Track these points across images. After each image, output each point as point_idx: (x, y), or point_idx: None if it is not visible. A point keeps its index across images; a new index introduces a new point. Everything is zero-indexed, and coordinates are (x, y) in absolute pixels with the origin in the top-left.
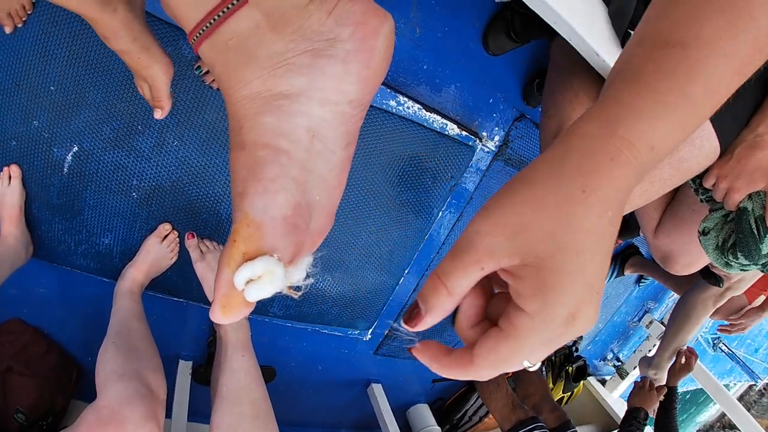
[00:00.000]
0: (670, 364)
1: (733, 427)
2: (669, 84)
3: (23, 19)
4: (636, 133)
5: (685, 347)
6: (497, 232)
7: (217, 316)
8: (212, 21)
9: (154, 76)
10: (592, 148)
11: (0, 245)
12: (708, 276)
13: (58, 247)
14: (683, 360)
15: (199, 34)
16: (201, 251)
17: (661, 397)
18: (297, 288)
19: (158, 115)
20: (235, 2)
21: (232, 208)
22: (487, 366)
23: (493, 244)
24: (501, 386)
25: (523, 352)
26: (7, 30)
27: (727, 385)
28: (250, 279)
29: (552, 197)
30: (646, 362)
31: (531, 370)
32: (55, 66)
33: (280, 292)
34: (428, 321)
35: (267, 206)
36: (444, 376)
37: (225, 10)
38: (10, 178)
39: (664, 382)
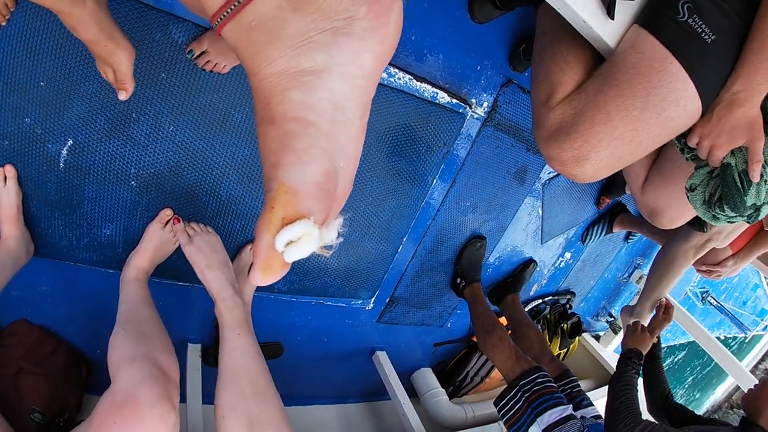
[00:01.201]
0: (651, 316)
1: (740, 406)
2: None
3: (6, 17)
4: None
5: (664, 299)
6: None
7: (257, 278)
8: (236, 4)
9: (119, 60)
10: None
11: (1, 247)
12: (692, 222)
13: (60, 243)
14: (662, 312)
15: (223, 16)
16: (188, 235)
17: (655, 339)
18: (329, 247)
19: (122, 96)
20: None
21: (264, 178)
22: None
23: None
24: (503, 340)
25: None
26: None
27: (718, 338)
28: (289, 241)
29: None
30: (628, 311)
31: None
32: (44, 61)
33: (314, 253)
34: None
35: (302, 174)
36: None
37: None
38: (5, 178)
39: None
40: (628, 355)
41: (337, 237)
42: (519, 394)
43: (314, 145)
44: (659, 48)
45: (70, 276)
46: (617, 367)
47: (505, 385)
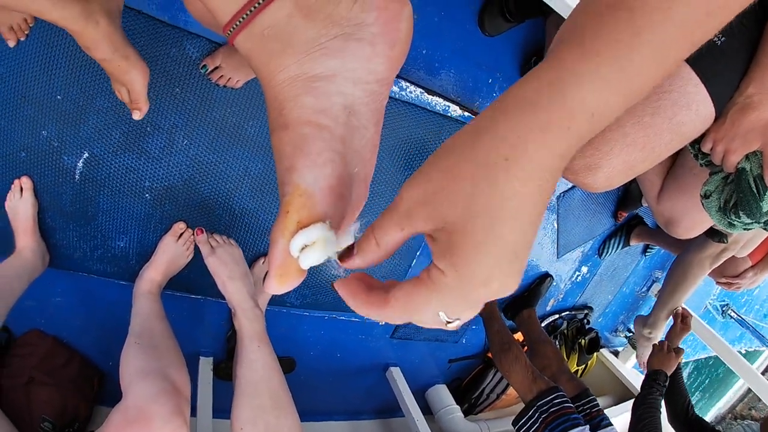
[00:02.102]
0: (668, 326)
1: (744, 417)
2: (613, 49)
3: (26, 32)
4: (575, 100)
5: (680, 308)
6: (413, 198)
7: (273, 285)
8: (248, 13)
9: (133, 80)
10: (524, 114)
11: (16, 258)
12: (712, 234)
13: (74, 254)
14: (680, 321)
15: (235, 26)
16: (211, 246)
17: (680, 359)
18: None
19: (137, 116)
20: None
21: (278, 184)
22: (398, 309)
23: (410, 209)
24: (520, 359)
25: (435, 304)
26: (11, 44)
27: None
28: (305, 245)
29: (468, 165)
30: (641, 321)
31: (449, 327)
32: (60, 75)
33: (329, 259)
34: (357, 262)
35: (316, 177)
36: (360, 313)
37: (260, 1)
38: (21, 190)
39: (659, 341)
40: (653, 376)
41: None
42: (536, 415)
43: (329, 148)
44: None
45: (84, 287)
46: (642, 387)
47: (522, 403)
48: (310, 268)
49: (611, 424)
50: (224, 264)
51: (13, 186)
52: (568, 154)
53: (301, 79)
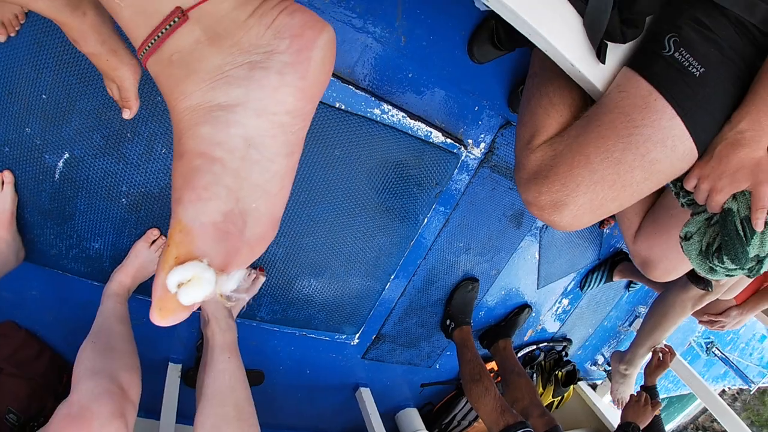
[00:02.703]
0: (645, 362)
1: (705, 429)
2: None
3: (16, 28)
4: None
5: (663, 344)
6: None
7: (155, 317)
8: (156, 38)
9: (122, 77)
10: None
11: None
12: (696, 280)
13: (50, 251)
14: (659, 357)
15: (146, 50)
16: None
17: (657, 412)
18: (232, 297)
19: (126, 115)
20: (176, 20)
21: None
22: None
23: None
24: (489, 390)
25: None
26: (1, 39)
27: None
28: (180, 282)
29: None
30: (618, 357)
31: None
32: (47, 75)
33: (220, 296)
34: None
35: (198, 213)
36: None
37: (167, 27)
38: (2, 183)
39: (634, 378)
40: (625, 428)
41: (245, 290)
42: None
43: (216, 182)
44: (643, 84)
45: (59, 284)
46: None
47: None
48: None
49: None
50: None
51: None
52: None
53: (202, 107)
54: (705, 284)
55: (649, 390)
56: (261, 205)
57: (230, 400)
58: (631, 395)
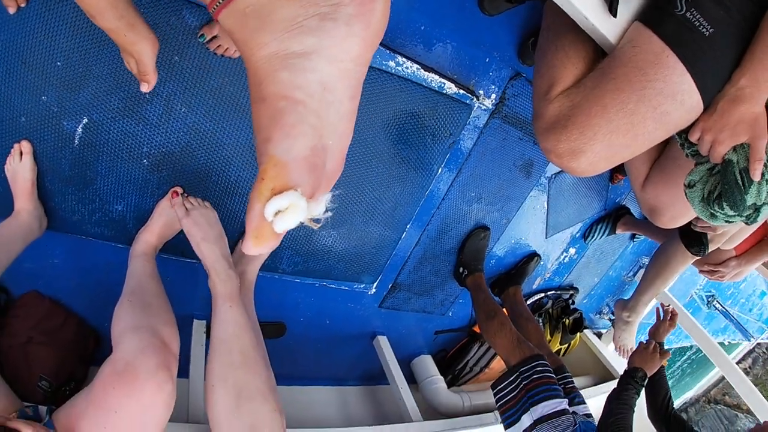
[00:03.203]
0: (648, 311)
1: (717, 402)
2: None
3: None
4: None
5: (670, 306)
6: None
7: (250, 247)
8: None
9: (141, 51)
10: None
11: (14, 220)
12: (691, 244)
13: (72, 217)
14: (668, 318)
15: (219, 3)
16: (186, 208)
17: (664, 362)
18: (317, 220)
19: (144, 88)
20: None
21: (257, 153)
22: None
23: None
24: (505, 325)
25: None
26: (11, 10)
27: (721, 343)
28: (278, 211)
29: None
30: (622, 305)
31: None
32: (61, 41)
33: (302, 224)
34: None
35: (290, 148)
36: None
37: None
38: (21, 154)
39: (636, 325)
40: (632, 374)
41: (326, 211)
42: (518, 380)
43: (303, 121)
44: (656, 41)
45: (82, 250)
46: (619, 383)
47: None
48: (298, 235)
49: (584, 402)
50: (198, 226)
51: (12, 150)
52: None
53: (278, 55)
54: (698, 248)
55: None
56: (336, 142)
57: (235, 348)
58: (640, 342)
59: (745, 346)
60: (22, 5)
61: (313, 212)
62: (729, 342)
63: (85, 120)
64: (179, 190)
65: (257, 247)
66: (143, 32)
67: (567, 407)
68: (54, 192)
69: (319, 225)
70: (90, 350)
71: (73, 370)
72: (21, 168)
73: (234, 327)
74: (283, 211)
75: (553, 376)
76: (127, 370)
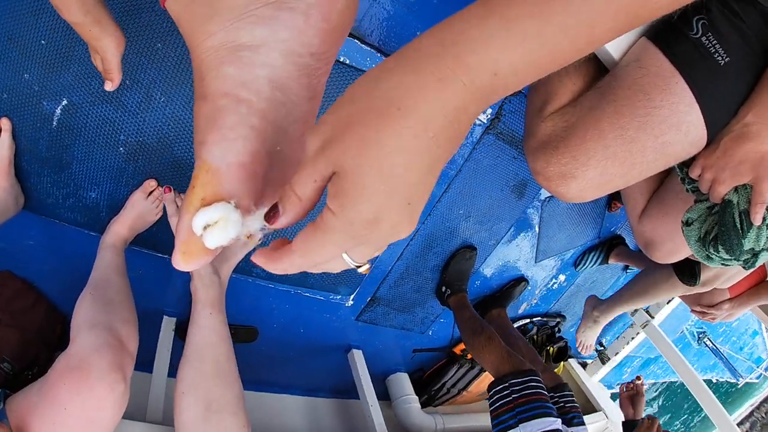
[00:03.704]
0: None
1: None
2: (525, 8)
3: None
4: (475, 57)
5: (641, 382)
6: (315, 144)
7: (178, 262)
8: None
9: (105, 48)
10: (421, 65)
11: None
12: (683, 273)
13: (47, 200)
14: (634, 390)
15: None
16: (176, 206)
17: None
18: (266, 234)
19: (108, 87)
20: None
21: (194, 157)
22: (299, 253)
23: (314, 156)
24: (493, 339)
25: (330, 245)
26: None
27: (709, 380)
28: (207, 224)
29: (362, 113)
30: (593, 302)
31: (360, 270)
32: (46, 20)
33: (240, 240)
34: (283, 220)
35: (224, 153)
36: (273, 270)
37: None
38: (0, 131)
39: (602, 327)
40: None
41: (262, 228)
42: (508, 390)
43: (243, 123)
44: (665, 64)
45: (55, 234)
46: None
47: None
48: (274, 238)
49: (584, 424)
50: None
51: None
52: (467, 110)
53: (225, 47)
54: (691, 279)
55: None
56: (286, 148)
57: (209, 357)
58: (642, 420)
59: (744, 410)
60: None
61: (251, 227)
62: (717, 380)
63: (65, 101)
64: (153, 183)
65: (186, 263)
66: (109, 29)
67: (560, 428)
68: (30, 172)
69: (258, 242)
70: (57, 336)
71: (38, 355)
72: None
73: (211, 335)
74: (213, 225)
75: (546, 393)
76: (80, 367)
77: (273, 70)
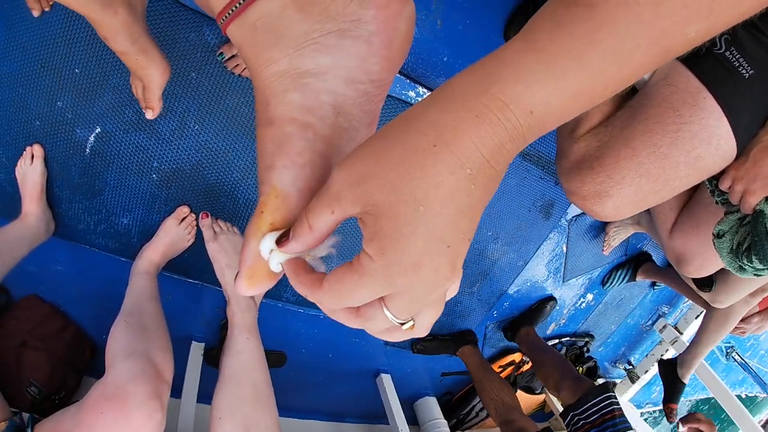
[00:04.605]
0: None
1: None
2: (562, 45)
3: (50, 3)
4: (511, 94)
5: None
6: (343, 179)
7: (242, 287)
8: (240, 2)
9: (150, 77)
10: (457, 103)
11: (20, 223)
12: (701, 283)
13: (78, 226)
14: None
15: (228, 14)
16: (214, 231)
17: None
18: (324, 258)
19: (149, 115)
20: None
21: (258, 182)
22: (330, 292)
23: (339, 191)
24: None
25: (364, 290)
26: (35, 13)
27: (739, 396)
28: (272, 249)
29: (398, 150)
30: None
31: (404, 328)
32: (80, 49)
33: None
34: (292, 246)
35: (295, 179)
36: (298, 291)
37: None
38: (32, 157)
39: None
40: None
41: (330, 248)
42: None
43: (311, 149)
44: (693, 81)
45: (85, 259)
46: None
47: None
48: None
49: (631, 428)
50: (224, 251)
51: (24, 152)
52: (504, 149)
53: (290, 74)
54: (707, 286)
55: None
56: None
57: (247, 381)
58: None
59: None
60: (46, 9)
61: (316, 253)
62: (746, 395)
63: (98, 129)
64: (186, 209)
65: (251, 288)
66: (155, 59)
67: None
68: (62, 198)
69: (323, 266)
70: (85, 360)
71: (66, 379)
72: (31, 171)
73: (249, 360)
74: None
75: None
76: (117, 396)
77: (336, 96)
